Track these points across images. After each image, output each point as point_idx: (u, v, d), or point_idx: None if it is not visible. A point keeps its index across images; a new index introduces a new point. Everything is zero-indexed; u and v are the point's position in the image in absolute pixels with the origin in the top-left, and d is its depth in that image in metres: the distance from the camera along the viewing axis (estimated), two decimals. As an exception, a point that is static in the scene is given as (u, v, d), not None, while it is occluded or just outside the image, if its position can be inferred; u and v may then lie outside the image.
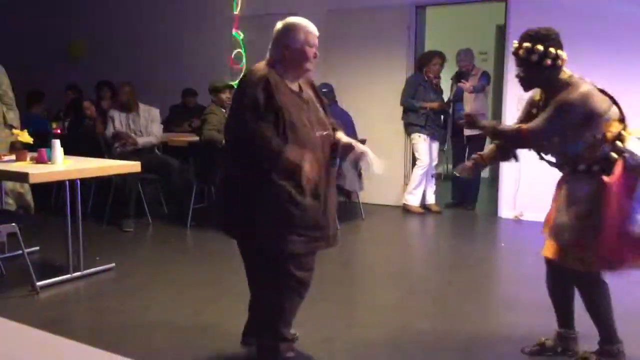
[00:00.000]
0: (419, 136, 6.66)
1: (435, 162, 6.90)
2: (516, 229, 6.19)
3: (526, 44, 2.72)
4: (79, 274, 4.32)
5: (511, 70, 6.29)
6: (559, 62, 2.74)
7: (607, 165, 2.72)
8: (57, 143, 4.26)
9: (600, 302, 2.85)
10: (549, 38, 2.72)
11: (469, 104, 6.71)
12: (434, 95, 6.66)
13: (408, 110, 6.69)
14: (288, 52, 2.71)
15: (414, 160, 6.86)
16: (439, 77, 6.74)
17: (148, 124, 6.14)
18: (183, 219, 5.91)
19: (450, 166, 7.91)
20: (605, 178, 2.68)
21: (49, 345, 1.33)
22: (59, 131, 7.06)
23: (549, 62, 2.70)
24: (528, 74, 2.78)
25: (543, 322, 3.30)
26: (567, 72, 2.80)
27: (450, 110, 6.98)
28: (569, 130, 2.71)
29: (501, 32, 7.19)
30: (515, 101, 6.28)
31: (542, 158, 3.00)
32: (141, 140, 6.01)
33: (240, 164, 2.73)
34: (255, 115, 2.58)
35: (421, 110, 6.59)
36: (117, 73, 7.73)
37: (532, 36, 2.73)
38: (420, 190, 6.76)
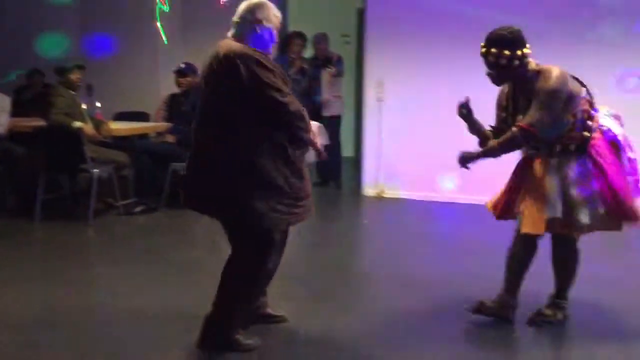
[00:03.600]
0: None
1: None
2: (379, 206, 6.39)
3: (494, 50, 2.89)
4: None
5: (370, 52, 6.51)
6: (525, 60, 2.92)
7: (582, 144, 2.97)
8: None
9: (574, 263, 3.17)
10: (515, 41, 2.89)
11: (327, 88, 6.81)
12: (299, 78, 6.66)
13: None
14: (260, 30, 2.76)
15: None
16: (301, 59, 6.75)
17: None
18: (31, 212, 5.44)
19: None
20: (594, 155, 2.95)
21: None
22: None
23: (517, 63, 2.89)
24: (498, 74, 2.97)
25: (403, 294, 3.43)
26: (532, 62, 2.97)
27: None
28: (558, 109, 2.88)
29: (361, 16, 7.32)
30: (374, 84, 6.47)
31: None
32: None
33: (231, 141, 2.69)
34: (281, 84, 2.67)
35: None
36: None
37: (499, 41, 2.89)
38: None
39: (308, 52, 7.10)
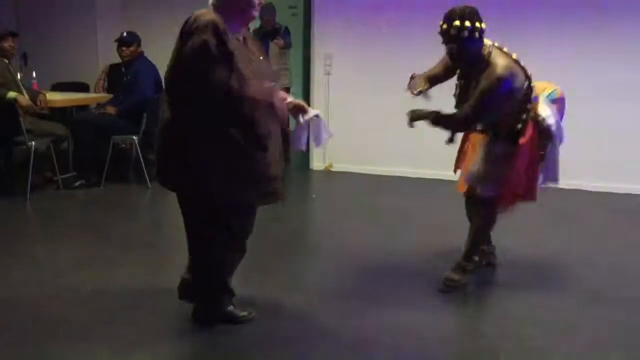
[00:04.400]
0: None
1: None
2: (327, 180, 6.40)
3: (456, 23, 2.98)
4: None
5: (318, 24, 6.44)
6: (482, 35, 3.04)
7: (512, 132, 3.16)
8: None
9: (486, 230, 3.43)
10: (473, 14, 3.01)
11: (275, 60, 6.73)
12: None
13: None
14: None
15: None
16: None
17: None
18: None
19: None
20: (520, 140, 3.13)
21: None
22: None
23: (476, 35, 3.00)
24: (460, 50, 3.04)
25: (351, 265, 3.43)
26: (487, 42, 3.10)
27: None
28: (494, 106, 3.06)
29: (308, -13, 7.22)
30: (322, 57, 6.43)
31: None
32: None
33: (188, 114, 2.57)
34: (211, 61, 2.44)
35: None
36: None
37: (460, 14, 2.99)
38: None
39: (254, 24, 6.97)
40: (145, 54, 5.91)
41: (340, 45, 6.36)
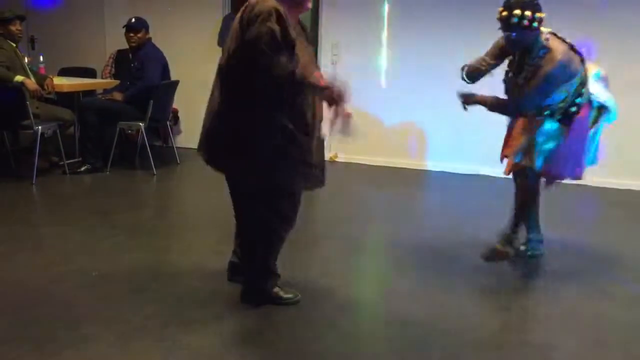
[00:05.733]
0: (238, 79, 6.50)
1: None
2: (331, 170, 6.38)
3: (517, 11, 3.05)
4: None
5: (326, 15, 6.42)
6: (541, 25, 3.13)
7: (567, 116, 3.28)
8: None
9: (529, 204, 3.52)
10: (534, 3, 3.10)
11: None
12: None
13: (226, 51, 6.48)
14: None
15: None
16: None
17: None
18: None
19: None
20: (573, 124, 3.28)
21: None
22: None
23: (535, 24, 3.08)
24: (519, 37, 3.13)
25: (356, 255, 3.43)
26: (544, 30, 3.19)
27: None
28: (554, 91, 3.19)
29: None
30: (329, 46, 6.41)
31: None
32: None
33: (245, 99, 2.62)
34: (277, 48, 2.48)
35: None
36: None
37: (521, 3, 3.07)
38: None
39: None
40: (152, 40, 5.91)
41: (347, 34, 6.34)
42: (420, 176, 5.99)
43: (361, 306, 3.06)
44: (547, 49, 3.17)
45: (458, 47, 4.87)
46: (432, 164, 6.12)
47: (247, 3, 2.59)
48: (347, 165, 6.38)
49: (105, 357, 2.52)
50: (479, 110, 3.44)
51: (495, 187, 4.99)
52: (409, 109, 6.08)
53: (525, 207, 3.52)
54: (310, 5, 2.74)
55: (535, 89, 3.20)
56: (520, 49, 3.26)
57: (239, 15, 2.62)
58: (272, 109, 2.61)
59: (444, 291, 3.26)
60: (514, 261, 3.55)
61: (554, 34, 3.25)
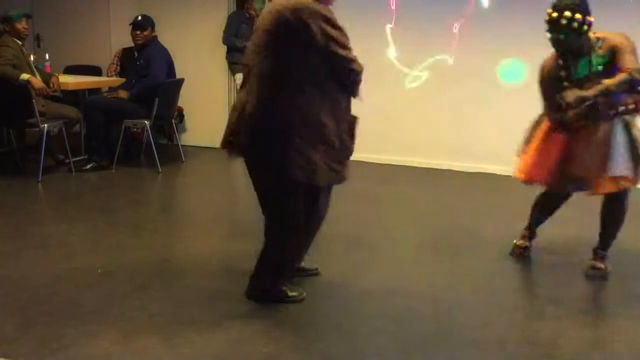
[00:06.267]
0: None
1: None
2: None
3: (567, 13, 3.07)
4: None
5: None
6: (590, 28, 3.15)
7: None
8: None
9: (623, 217, 3.39)
10: (583, 6, 3.12)
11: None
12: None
13: (233, 49, 6.48)
14: None
15: (238, 101, 6.71)
16: (259, 16, 6.59)
17: None
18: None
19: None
20: None
21: None
22: None
23: (585, 28, 3.12)
24: (567, 40, 3.14)
25: (354, 253, 3.42)
26: (590, 35, 3.22)
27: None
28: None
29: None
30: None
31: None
32: None
33: (287, 98, 2.69)
34: (343, 41, 2.67)
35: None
36: None
37: (571, 7, 3.09)
38: (244, 132, 6.66)
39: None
40: (158, 38, 5.92)
41: (349, 33, 6.30)
42: (424, 174, 5.97)
43: (365, 304, 3.05)
44: (602, 39, 3.20)
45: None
46: (435, 162, 6.09)
47: (282, 6, 2.67)
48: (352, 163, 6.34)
49: (110, 354, 2.52)
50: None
51: (496, 186, 4.97)
52: (412, 107, 6.06)
53: (622, 219, 3.41)
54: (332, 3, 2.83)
55: (630, 53, 3.15)
56: (567, 52, 3.24)
57: (273, 14, 2.69)
58: (319, 108, 2.70)
59: (448, 290, 3.26)
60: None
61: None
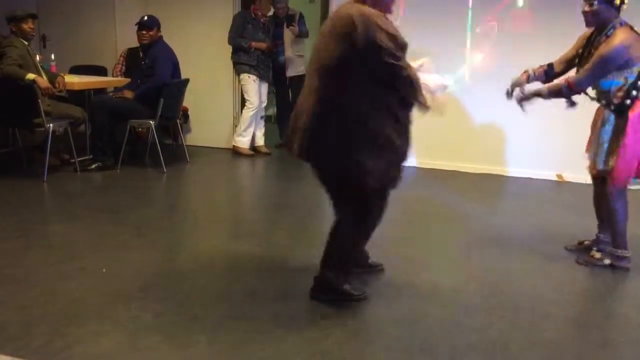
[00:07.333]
0: (248, 77, 6.51)
1: (264, 104, 6.83)
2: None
3: None
4: None
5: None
6: (620, 9, 3.28)
7: (621, 106, 3.31)
8: None
9: (619, 211, 3.43)
10: None
11: (290, 47, 6.75)
12: (262, 35, 6.52)
13: (238, 49, 6.49)
14: None
15: (243, 101, 6.73)
16: (266, 16, 6.60)
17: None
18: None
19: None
20: (629, 120, 3.28)
21: None
22: None
23: (615, 2, 3.24)
24: (599, 9, 3.26)
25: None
26: (619, 18, 3.29)
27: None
28: (607, 74, 3.28)
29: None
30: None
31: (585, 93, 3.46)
32: None
33: (362, 97, 2.71)
34: (401, 51, 2.68)
35: (252, 50, 6.42)
36: None
37: None
38: (250, 132, 6.68)
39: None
40: (163, 38, 5.93)
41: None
42: (427, 174, 5.97)
43: (369, 304, 3.05)
44: (614, 32, 3.24)
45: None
46: (435, 163, 6.08)
47: (341, 13, 2.72)
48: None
49: (114, 354, 2.52)
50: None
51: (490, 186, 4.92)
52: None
53: (619, 213, 3.45)
54: (394, 9, 2.87)
55: (589, 67, 3.28)
56: (595, 24, 3.32)
57: (333, 20, 2.77)
58: (380, 114, 2.73)
59: (451, 290, 3.25)
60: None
61: (630, 26, 3.29)
